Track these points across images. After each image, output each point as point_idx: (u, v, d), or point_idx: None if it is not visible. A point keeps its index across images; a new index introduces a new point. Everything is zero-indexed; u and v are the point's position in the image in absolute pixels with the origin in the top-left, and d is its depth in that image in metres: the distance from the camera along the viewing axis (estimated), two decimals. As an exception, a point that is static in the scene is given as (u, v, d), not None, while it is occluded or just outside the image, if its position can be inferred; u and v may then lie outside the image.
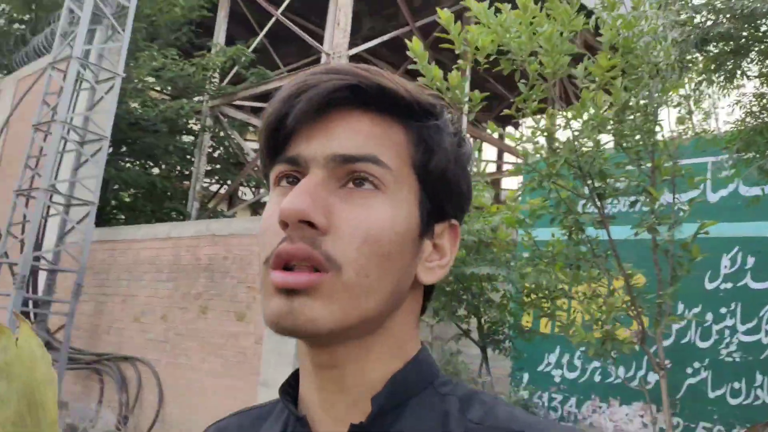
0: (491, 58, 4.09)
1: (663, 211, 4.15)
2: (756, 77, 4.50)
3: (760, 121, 4.51)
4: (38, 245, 7.56)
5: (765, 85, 4.55)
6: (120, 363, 7.44)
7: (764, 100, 4.55)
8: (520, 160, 5.18)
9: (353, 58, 10.22)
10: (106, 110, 7.78)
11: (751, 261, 6.23)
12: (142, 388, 7.32)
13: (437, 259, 0.60)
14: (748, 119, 4.59)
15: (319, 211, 0.52)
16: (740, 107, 4.62)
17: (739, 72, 4.34)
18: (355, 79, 0.55)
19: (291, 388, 0.62)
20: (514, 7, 4.05)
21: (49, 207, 7.73)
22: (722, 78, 4.35)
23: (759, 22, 4.00)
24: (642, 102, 4.10)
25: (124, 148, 10.55)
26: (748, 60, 4.34)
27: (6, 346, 0.50)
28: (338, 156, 0.54)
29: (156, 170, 11.35)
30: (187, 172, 11.72)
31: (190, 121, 10.99)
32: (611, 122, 4.23)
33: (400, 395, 0.57)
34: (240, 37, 11.80)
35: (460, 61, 4.20)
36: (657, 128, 4.21)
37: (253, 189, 13.22)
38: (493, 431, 0.54)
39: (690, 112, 4.43)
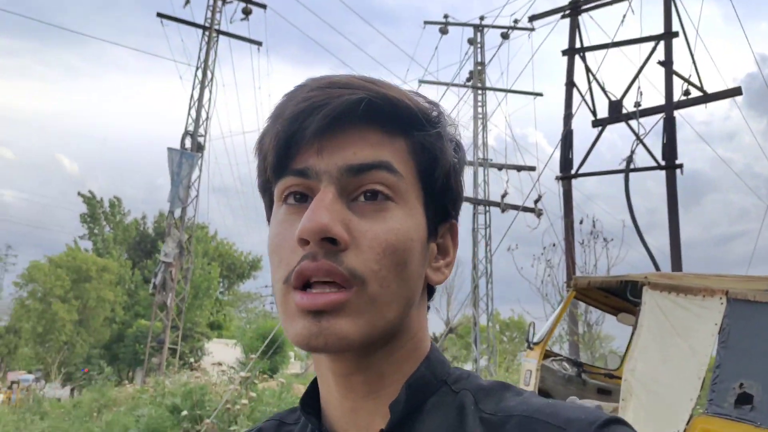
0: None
1: None
2: None
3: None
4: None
5: None
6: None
7: None
8: None
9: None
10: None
11: None
12: None
13: (442, 259, 0.63)
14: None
15: (340, 226, 0.53)
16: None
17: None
18: (365, 93, 0.56)
19: (311, 399, 0.64)
20: None
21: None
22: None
23: None
24: None
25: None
26: None
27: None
28: (353, 166, 0.55)
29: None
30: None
31: None
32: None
33: (417, 398, 0.58)
34: None
35: None
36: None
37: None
38: (506, 419, 0.55)
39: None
